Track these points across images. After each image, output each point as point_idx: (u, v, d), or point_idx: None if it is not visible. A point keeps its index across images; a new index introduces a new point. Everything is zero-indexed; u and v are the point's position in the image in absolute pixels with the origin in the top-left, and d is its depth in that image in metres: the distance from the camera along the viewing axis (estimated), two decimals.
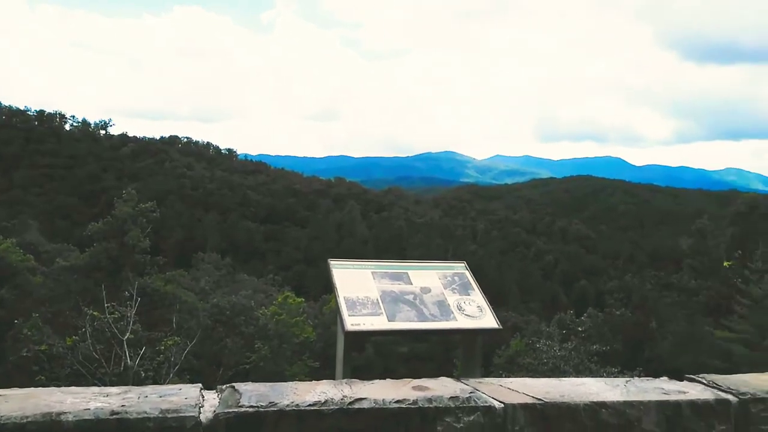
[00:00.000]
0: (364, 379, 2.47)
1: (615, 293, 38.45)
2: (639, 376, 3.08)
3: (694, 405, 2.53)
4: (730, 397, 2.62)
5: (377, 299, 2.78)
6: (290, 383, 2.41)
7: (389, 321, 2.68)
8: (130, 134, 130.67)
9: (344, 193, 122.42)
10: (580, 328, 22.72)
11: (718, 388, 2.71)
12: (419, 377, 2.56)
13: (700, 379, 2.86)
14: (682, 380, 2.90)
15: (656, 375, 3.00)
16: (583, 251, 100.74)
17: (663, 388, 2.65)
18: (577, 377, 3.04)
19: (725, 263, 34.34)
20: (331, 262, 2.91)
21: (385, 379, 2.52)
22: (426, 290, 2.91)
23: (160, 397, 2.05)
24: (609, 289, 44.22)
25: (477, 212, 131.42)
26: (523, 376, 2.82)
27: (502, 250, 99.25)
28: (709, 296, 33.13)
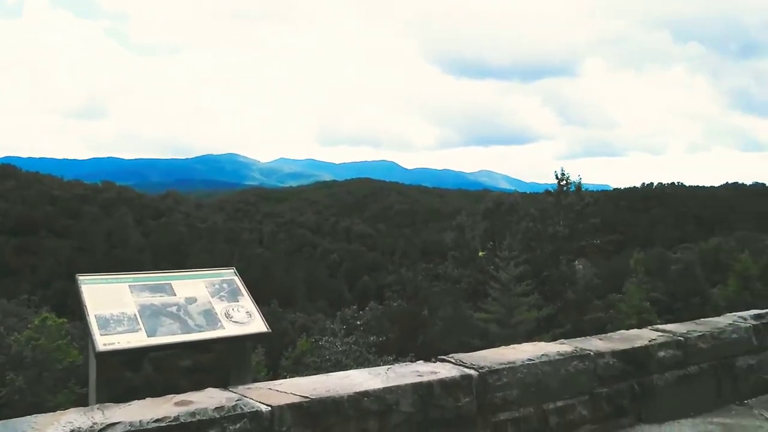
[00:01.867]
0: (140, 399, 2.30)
1: (393, 286, 41.33)
2: (412, 361, 3.35)
3: (443, 383, 2.83)
4: (472, 372, 2.99)
5: (135, 314, 2.59)
6: (28, 417, 2.14)
7: (149, 336, 2.52)
8: None
9: (114, 198, 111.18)
10: (358, 322, 23.94)
11: (464, 365, 3.08)
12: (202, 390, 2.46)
13: (449, 359, 3.22)
14: (435, 362, 3.23)
15: (427, 358, 3.28)
16: (365, 249, 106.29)
17: (418, 371, 2.92)
18: (354, 370, 3.20)
19: (480, 253, 39.16)
20: (80, 278, 2.63)
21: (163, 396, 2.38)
22: (191, 300, 2.79)
23: None
24: (388, 282, 47.21)
25: (263, 215, 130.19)
26: (309, 375, 2.89)
27: (290, 251, 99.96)
28: (468, 283, 37.40)
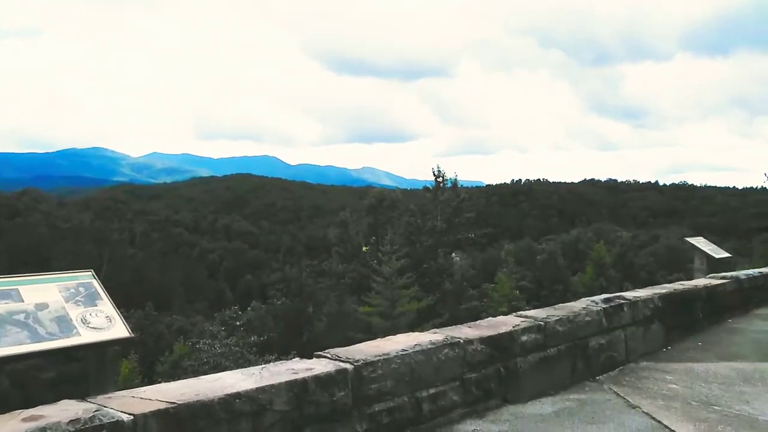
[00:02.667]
0: None
1: (276, 284, 40.70)
2: (297, 358, 3.31)
3: (318, 379, 2.84)
4: (348, 366, 3.03)
5: None
6: None
7: None
8: None
9: None
10: (238, 323, 23.29)
11: (339, 359, 3.11)
12: None
13: (325, 354, 3.23)
14: (312, 358, 3.23)
15: (310, 355, 3.25)
16: (247, 247, 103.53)
17: (294, 369, 2.91)
18: (226, 371, 3.07)
19: (364, 248, 39.69)
20: None
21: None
22: (42, 306, 2.56)
23: None
24: (272, 281, 46.38)
25: (134, 213, 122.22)
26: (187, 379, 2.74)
27: (165, 251, 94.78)
28: (352, 278, 37.78)
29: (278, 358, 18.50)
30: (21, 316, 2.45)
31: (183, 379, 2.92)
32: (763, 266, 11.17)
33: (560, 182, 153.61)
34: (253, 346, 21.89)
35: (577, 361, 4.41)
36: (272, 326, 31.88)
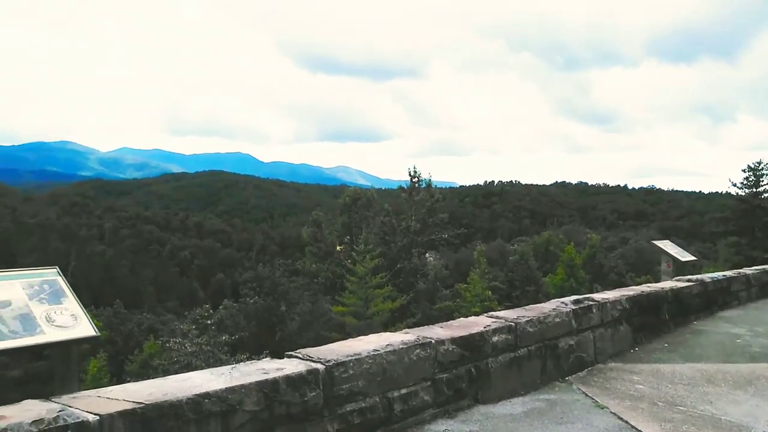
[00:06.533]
0: None
1: (249, 283, 40.28)
2: (268, 358, 3.28)
3: (289, 379, 2.82)
4: (319, 366, 3.01)
5: None
6: None
7: None
8: None
9: None
10: (209, 321, 23.02)
11: (311, 359, 3.09)
12: None
13: (297, 354, 3.21)
14: (282, 358, 3.20)
15: (282, 355, 3.22)
16: (219, 245, 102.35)
17: (264, 369, 2.88)
18: (196, 371, 3.04)
19: (338, 247, 39.59)
20: None
21: None
22: (5, 304, 2.49)
23: None
24: (244, 279, 45.93)
25: (103, 209, 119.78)
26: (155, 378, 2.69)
27: (135, 249, 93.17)
28: (326, 277, 37.64)
29: (250, 358, 18.33)
30: None
31: (152, 378, 2.87)
32: (728, 269, 11.48)
33: (532, 184, 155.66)
34: (225, 345, 21.67)
35: (547, 361, 4.47)
36: (244, 325, 31.60)
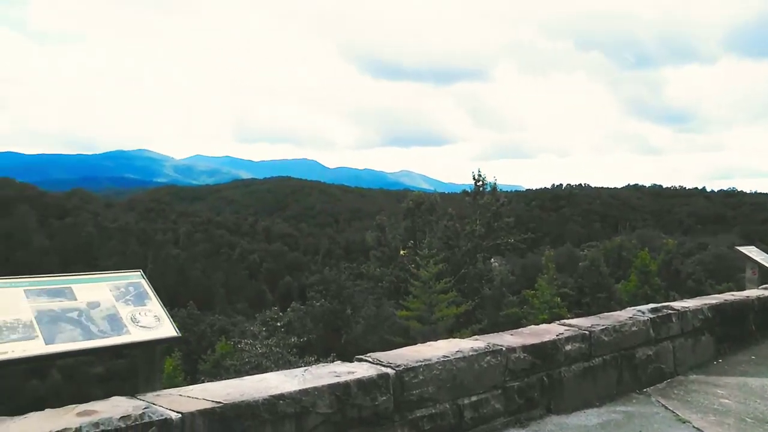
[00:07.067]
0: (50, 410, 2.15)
1: (316, 286, 41.02)
2: (335, 361, 3.33)
3: (360, 383, 2.84)
4: (389, 370, 3.02)
5: (31, 321, 2.41)
6: None
7: (47, 344, 2.35)
8: None
9: (13, 196, 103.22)
10: (279, 324, 23.55)
11: (381, 364, 3.10)
12: None
13: (367, 358, 3.23)
14: (353, 362, 3.23)
15: (349, 358, 3.26)
16: (286, 249, 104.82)
17: (336, 372, 2.91)
18: (270, 372, 3.13)
19: (401, 252, 39.62)
20: None
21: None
22: (94, 305, 2.64)
23: None
24: (311, 283, 46.81)
25: (178, 215, 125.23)
26: (229, 378, 2.81)
27: (207, 252, 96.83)
28: (390, 281, 37.74)
29: (318, 360, 18.63)
30: (74, 314, 2.54)
31: (225, 378, 2.97)
32: None
33: (602, 187, 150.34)
34: (294, 347, 22.10)
35: (623, 372, 4.30)
36: (311, 328, 32.17)
